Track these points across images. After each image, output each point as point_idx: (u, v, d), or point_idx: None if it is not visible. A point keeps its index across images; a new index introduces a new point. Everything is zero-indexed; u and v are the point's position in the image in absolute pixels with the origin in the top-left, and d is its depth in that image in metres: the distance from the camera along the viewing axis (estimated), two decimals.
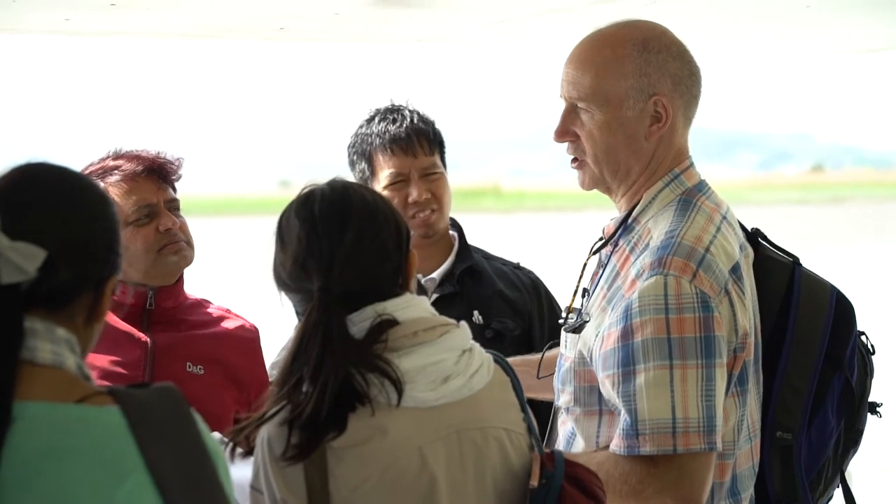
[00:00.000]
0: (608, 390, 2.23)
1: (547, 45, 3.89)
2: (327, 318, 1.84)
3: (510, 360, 2.03)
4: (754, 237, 2.45)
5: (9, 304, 1.51)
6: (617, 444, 2.19)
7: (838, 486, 2.51)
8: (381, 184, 2.99)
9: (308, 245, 1.89)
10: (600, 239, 2.43)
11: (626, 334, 2.18)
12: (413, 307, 1.91)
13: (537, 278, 3.15)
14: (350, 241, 1.88)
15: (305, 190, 1.96)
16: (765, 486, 2.37)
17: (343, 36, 4.02)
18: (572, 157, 2.39)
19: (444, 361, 1.88)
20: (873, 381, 2.52)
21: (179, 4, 3.42)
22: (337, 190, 1.94)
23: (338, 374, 1.81)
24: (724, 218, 2.33)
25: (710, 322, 2.16)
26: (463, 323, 1.95)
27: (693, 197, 2.32)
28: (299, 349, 1.85)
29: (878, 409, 2.52)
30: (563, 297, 2.81)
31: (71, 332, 1.56)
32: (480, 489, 1.88)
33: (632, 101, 2.30)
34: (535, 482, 1.90)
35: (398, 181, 2.98)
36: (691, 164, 2.38)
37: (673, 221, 2.27)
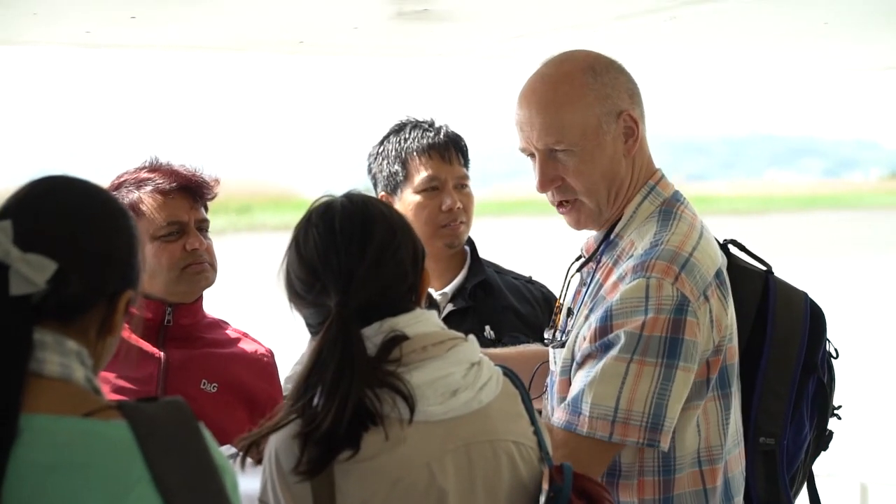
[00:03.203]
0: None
1: None
2: (346, 335, 1.84)
3: None
4: (725, 247, 2.47)
5: (18, 315, 1.51)
6: (559, 417, 2.23)
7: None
8: (414, 188, 2.99)
9: (327, 259, 1.88)
10: (579, 257, 2.45)
11: (605, 331, 2.21)
12: (423, 322, 1.91)
13: (549, 292, 3.15)
14: (371, 257, 1.88)
15: (322, 201, 1.95)
16: (748, 492, 2.40)
17: (362, 50, 4.03)
18: (559, 201, 2.39)
19: (452, 375, 1.87)
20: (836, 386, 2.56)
21: (199, 18, 3.42)
22: (357, 203, 1.93)
23: (356, 392, 1.81)
24: (703, 225, 2.36)
25: (681, 325, 2.19)
26: (471, 336, 1.95)
27: (673, 207, 2.36)
28: (316, 364, 1.85)
29: (836, 412, 2.56)
30: None
31: (82, 345, 1.56)
32: (490, 503, 1.87)
33: (605, 125, 2.33)
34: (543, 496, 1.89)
35: (432, 187, 2.98)
36: (663, 176, 2.41)
37: (656, 231, 2.30)
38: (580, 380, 2.23)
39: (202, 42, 3.81)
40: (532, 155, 2.38)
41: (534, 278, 3.19)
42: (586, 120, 2.32)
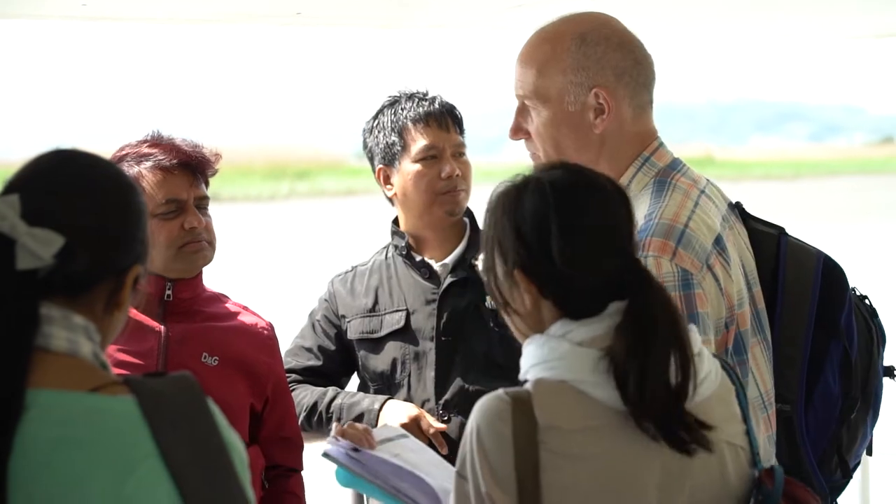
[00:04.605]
0: None
1: None
2: (649, 296, 1.81)
3: None
4: (742, 209, 2.44)
5: (24, 290, 1.50)
6: None
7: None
8: (412, 157, 2.99)
9: (605, 223, 1.85)
10: None
11: None
12: None
13: None
14: (633, 218, 1.90)
15: (571, 170, 1.90)
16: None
17: (360, 21, 4.02)
18: (531, 153, 2.41)
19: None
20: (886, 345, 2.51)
21: None
22: (597, 173, 1.92)
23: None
24: (703, 192, 2.33)
25: (693, 299, 2.16)
26: (693, 326, 1.90)
27: (668, 176, 2.33)
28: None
29: (893, 372, 2.52)
30: None
31: (89, 320, 1.56)
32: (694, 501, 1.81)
33: (572, 97, 2.32)
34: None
35: (431, 155, 2.98)
36: (660, 145, 2.38)
37: (651, 204, 2.27)
38: None
39: (199, 14, 3.80)
40: None
41: None
42: (554, 85, 2.32)
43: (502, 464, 1.76)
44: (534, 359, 1.83)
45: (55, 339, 1.52)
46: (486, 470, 1.76)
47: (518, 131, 2.40)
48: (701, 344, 1.87)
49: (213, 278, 2.80)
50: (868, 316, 2.49)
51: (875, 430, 2.52)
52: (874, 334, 2.49)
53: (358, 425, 2.58)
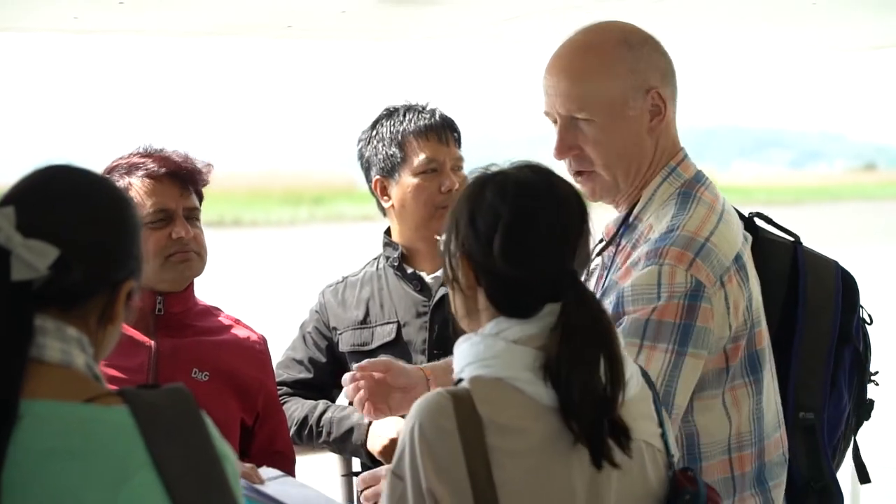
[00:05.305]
0: None
1: (557, 42, 3.91)
2: (582, 301, 1.82)
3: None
4: (751, 222, 2.44)
5: (19, 301, 1.51)
6: None
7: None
8: (413, 170, 2.98)
9: (551, 223, 1.86)
10: (601, 240, 2.42)
11: (617, 318, 2.18)
12: None
13: None
14: (587, 228, 1.89)
15: (530, 169, 1.91)
16: (790, 472, 2.35)
17: (351, 34, 4.02)
18: (576, 170, 2.36)
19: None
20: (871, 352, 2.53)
21: (187, 3, 3.42)
22: (563, 179, 1.94)
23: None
24: (724, 208, 2.32)
25: (695, 311, 2.16)
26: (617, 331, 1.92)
27: (692, 188, 2.31)
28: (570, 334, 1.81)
29: (873, 377, 2.52)
30: None
31: (83, 333, 1.56)
32: (620, 500, 1.83)
33: (631, 101, 2.30)
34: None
35: (431, 169, 2.98)
36: (686, 156, 2.37)
37: (674, 215, 2.26)
38: None
39: (190, 28, 3.80)
40: (555, 120, 2.35)
41: None
42: (612, 91, 2.28)
43: (449, 460, 1.76)
44: (469, 357, 1.85)
45: (49, 350, 1.52)
46: (429, 466, 1.77)
47: (570, 149, 2.33)
48: (624, 349, 1.90)
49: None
50: (865, 322, 2.51)
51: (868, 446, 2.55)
52: (867, 341, 2.51)
53: (246, 465, 2.52)
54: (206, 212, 2.77)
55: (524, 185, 1.88)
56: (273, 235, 29.06)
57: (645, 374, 1.94)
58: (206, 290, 2.85)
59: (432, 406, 1.80)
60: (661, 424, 1.91)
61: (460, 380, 1.85)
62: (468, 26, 3.91)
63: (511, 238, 1.84)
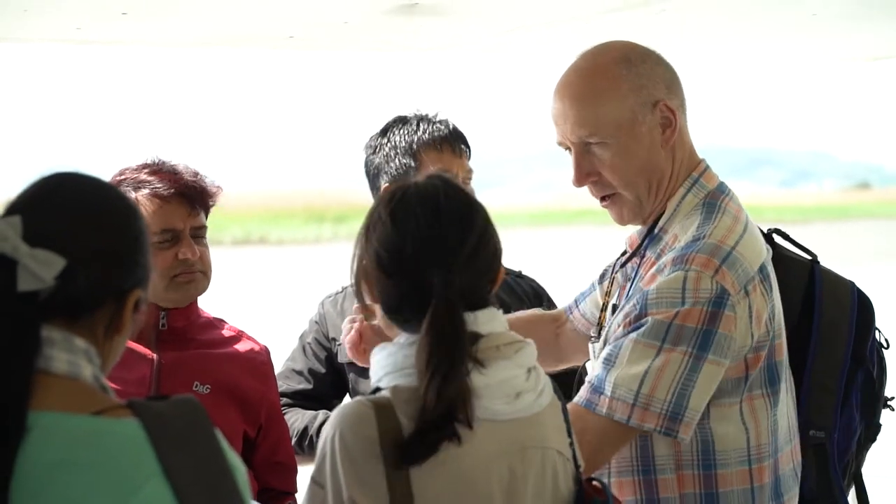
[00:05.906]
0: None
1: (558, 54, 3.91)
2: (453, 314, 1.82)
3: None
4: (769, 238, 2.44)
5: (26, 311, 1.50)
6: (581, 395, 2.21)
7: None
8: None
9: (430, 234, 1.85)
10: (624, 252, 2.42)
11: (638, 319, 2.19)
12: (497, 320, 1.90)
13: (539, 287, 3.14)
14: (473, 240, 1.87)
15: (422, 182, 1.91)
16: (800, 489, 2.36)
17: (353, 45, 4.03)
18: (600, 196, 2.36)
19: (517, 377, 1.86)
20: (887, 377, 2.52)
21: (189, 14, 3.42)
22: (457, 188, 1.92)
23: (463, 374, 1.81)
24: (747, 219, 2.32)
25: (718, 318, 2.16)
26: (530, 340, 1.94)
27: (717, 199, 2.32)
28: (434, 342, 1.81)
29: (889, 402, 2.53)
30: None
31: (90, 343, 1.55)
32: None
33: (640, 117, 2.30)
34: None
35: None
36: (707, 167, 2.38)
37: (699, 225, 2.26)
38: (605, 360, 2.20)
39: (192, 38, 3.81)
40: (568, 149, 2.35)
41: (524, 273, 3.19)
42: (620, 112, 2.28)
43: (369, 468, 1.78)
44: (387, 367, 1.87)
45: (56, 361, 1.51)
46: (350, 474, 1.78)
47: (588, 175, 2.34)
48: (535, 360, 1.92)
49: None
50: (880, 347, 2.51)
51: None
52: (883, 365, 2.51)
53: None
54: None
55: (417, 195, 1.88)
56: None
57: (554, 385, 1.95)
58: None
59: (354, 415, 1.81)
60: (569, 434, 1.93)
61: (377, 389, 1.87)
62: (470, 37, 3.91)
63: (390, 244, 1.86)
